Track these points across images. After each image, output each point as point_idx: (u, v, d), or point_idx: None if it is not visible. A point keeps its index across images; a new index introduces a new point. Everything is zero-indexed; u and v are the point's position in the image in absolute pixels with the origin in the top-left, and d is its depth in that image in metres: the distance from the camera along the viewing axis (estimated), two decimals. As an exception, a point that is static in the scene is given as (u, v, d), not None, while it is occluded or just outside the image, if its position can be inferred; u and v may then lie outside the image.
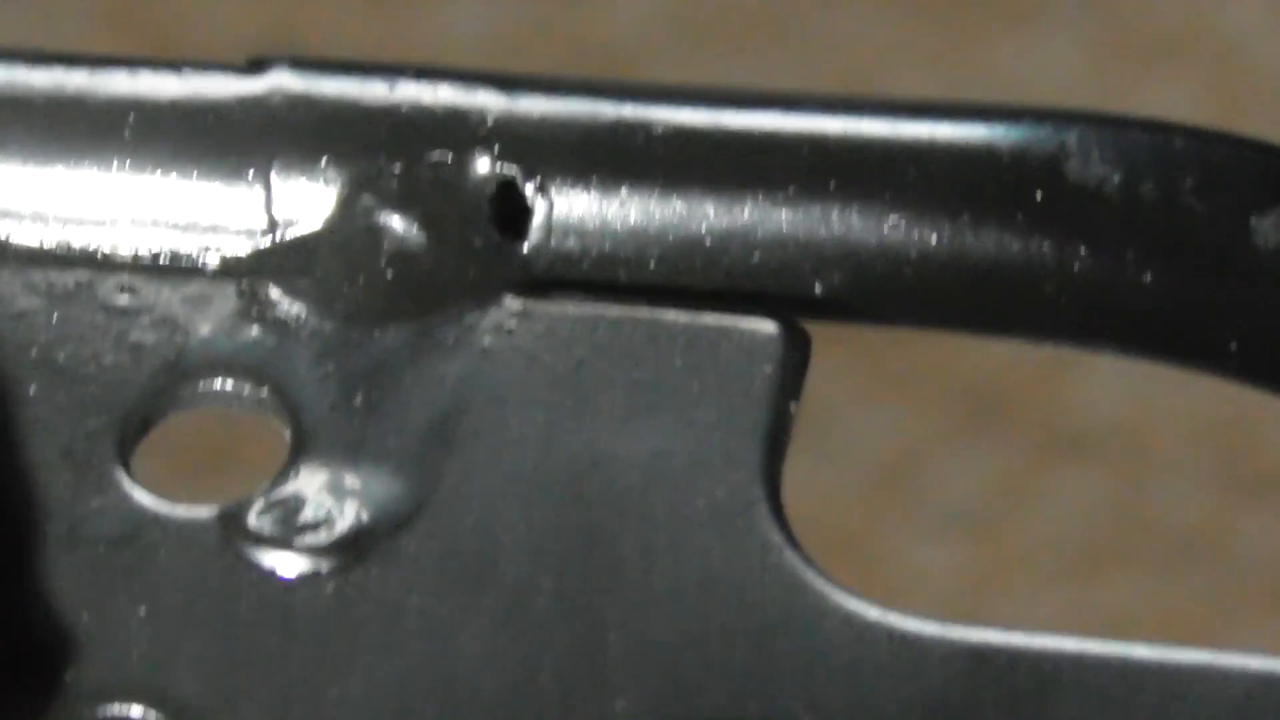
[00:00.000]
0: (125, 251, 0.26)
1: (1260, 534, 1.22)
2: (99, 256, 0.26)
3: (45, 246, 0.26)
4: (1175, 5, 1.32)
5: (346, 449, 0.25)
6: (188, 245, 0.26)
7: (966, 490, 1.19)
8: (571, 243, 0.25)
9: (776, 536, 0.24)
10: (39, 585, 0.25)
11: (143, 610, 0.24)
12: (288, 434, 0.25)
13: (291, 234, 0.26)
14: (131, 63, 0.26)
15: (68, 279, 0.26)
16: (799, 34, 1.26)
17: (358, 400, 0.25)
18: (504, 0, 1.12)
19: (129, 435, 0.25)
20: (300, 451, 0.25)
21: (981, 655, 0.24)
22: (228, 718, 0.24)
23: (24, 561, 0.25)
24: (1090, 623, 1.17)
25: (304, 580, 0.24)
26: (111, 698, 0.24)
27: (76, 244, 0.26)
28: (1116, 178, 0.25)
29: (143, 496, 0.25)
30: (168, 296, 0.26)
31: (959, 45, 1.33)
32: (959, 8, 1.34)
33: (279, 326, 0.26)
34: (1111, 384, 1.17)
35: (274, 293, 0.26)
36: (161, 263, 0.26)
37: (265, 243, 0.26)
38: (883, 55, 1.31)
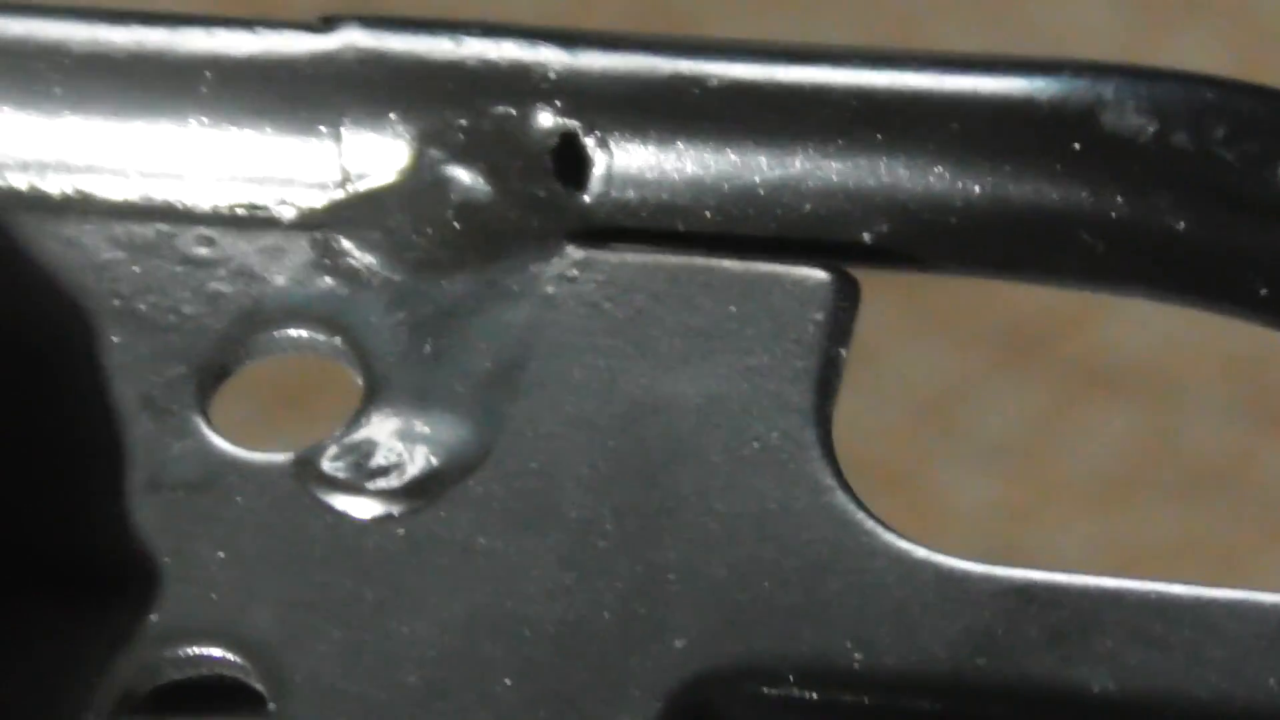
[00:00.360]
0: (203, 205, 0.26)
1: (1285, 465, 1.22)
2: (178, 209, 0.26)
3: (127, 200, 0.26)
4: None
5: (416, 395, 0.25)
6: (263, 198, 0.25)
7: (1005, 425, 1.19)
8: (630, 194, 0.25)
9: (828, 478, 0.24)
10: (122, 529, 0.24)
11: (221, 553, 0.24)
12: (360, 381, 0.25)
13: (362, 187, 0.25)
14: (208, 21, 0.26)
15: (148, 231, 0.25)
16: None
17: (427, 348, 0.25)
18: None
19: (207, 383, 0.25)
20: (372, 398, 0.25)
21: (1025, 592, 0.23)
22: (302, 657, 0.23)
23: (108, 506, 0.25)
24: (1122, 550, 1.16)
25: (376, 522, 0.24)
26: (191, 639, 0.24)
27: (157, 197, 0.26)
28: (1150, 128, 0.25)
29: (220, 442, 0.25)
30: (244, 248, 0.25)
31: (993, 2, 1.34)
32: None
33: (351, 276, 0.25)
34: (1144, 322, 1.17)
35: (346, 244, 0.25)
36: (238, 215, 0.25)
37: (337, 195, 0.26)
38: (923, 12, 1.31)
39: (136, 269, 0.25)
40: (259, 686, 0.23)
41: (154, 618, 0.24)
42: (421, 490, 0.24)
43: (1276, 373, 1.16)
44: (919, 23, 1.30)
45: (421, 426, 0.24)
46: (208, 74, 0.26)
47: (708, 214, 0.25)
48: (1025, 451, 1.18)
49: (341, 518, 0.24)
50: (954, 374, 1.24)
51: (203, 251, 0.25)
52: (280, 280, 0.25)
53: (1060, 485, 1.21)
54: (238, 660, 0.23)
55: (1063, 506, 1.24)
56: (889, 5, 1.28)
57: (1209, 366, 1.20)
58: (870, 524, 0.24)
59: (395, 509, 0.24)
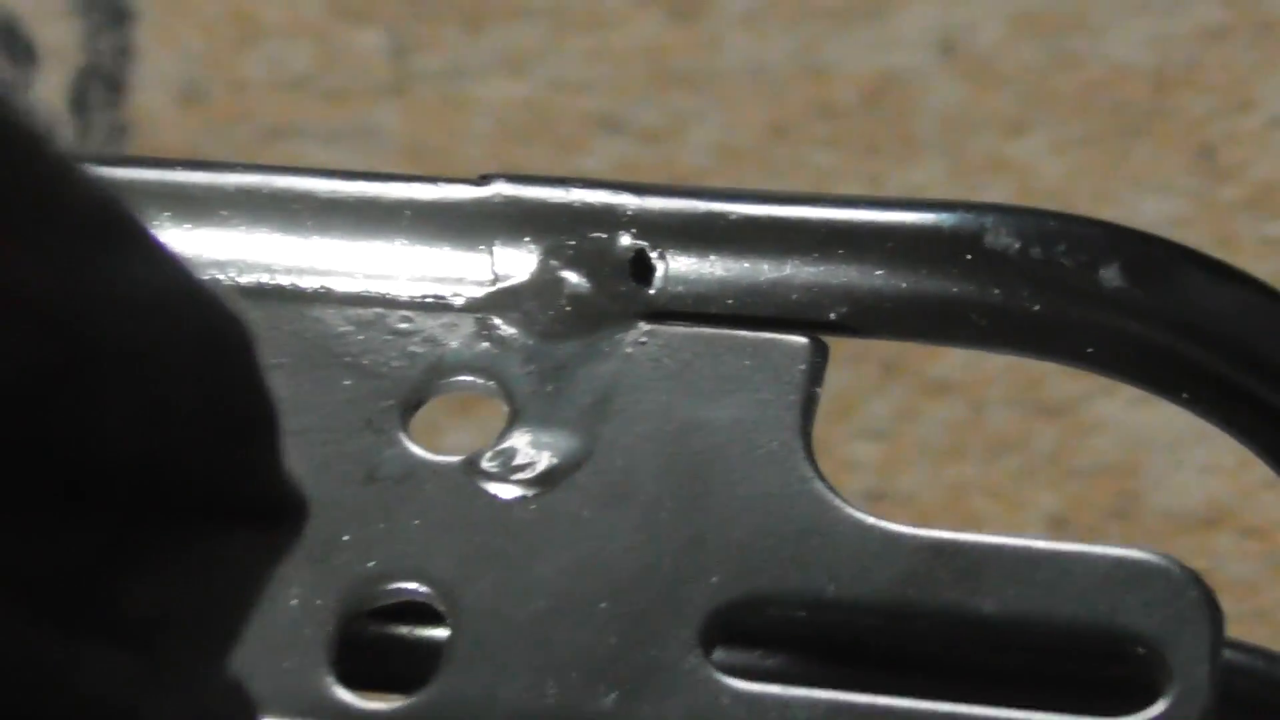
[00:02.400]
0: (404, 295, 0.26)
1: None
2: (388, 299, 0.26)
3: (354, 292, 0.26)
4: None
5: (542, 420, 0.25)
6: (443, 291, 0.26)
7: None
8: (680, 289, 0.25)
9: (809, 472, 0.24)
10: (352, 508, 0.25)
11: (416, 522, 0.25)
12: (505, 410, 0.25)
13: (507, 284, 0.26)
14: (407, 177, 0.27)
15: (369, 313, 0.26)
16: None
17: (549, 388, 0.25)
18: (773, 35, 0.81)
19: (407, 412, 0.25)
20: (513, 421, 0.25)
21: (937, 547, 0.24)
22: (468, 589, 0.24)
23: (343, 492, 0.25)
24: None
25: (516, 501, 0.25)
26: (397, 579, 0.25)
27: (374, 291, 0.26)
28: (1015, 245, 0.25)
29: (416, 449, 0.25)
30: (431, 324, 0.26)
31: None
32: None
33: (500, 343, 0.26)
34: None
35: (496, 321, 0.26)
36: (427, 302, 0.26)
37: (491, 290, 0.26)
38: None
39: (361, 337, 0.26)
40: (440, 608, 0.24)
41: (371, 564, 0.25)
42: (545, 481, 0.25)
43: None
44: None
45: (546, 439, 0.25)
46: (408, 211, 0.27)
47: (730, 301, 0.26)
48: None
49: (494, 498, 0.25)
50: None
51: (404, 326, 0.26)
52: (454, 345, 0.26)
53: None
54: (426, 591, 0.24)
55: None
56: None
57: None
58: (837, 502, 0.24)
59: (529, 493, 0.25)
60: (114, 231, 0.16)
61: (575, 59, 0.77)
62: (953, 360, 0.74)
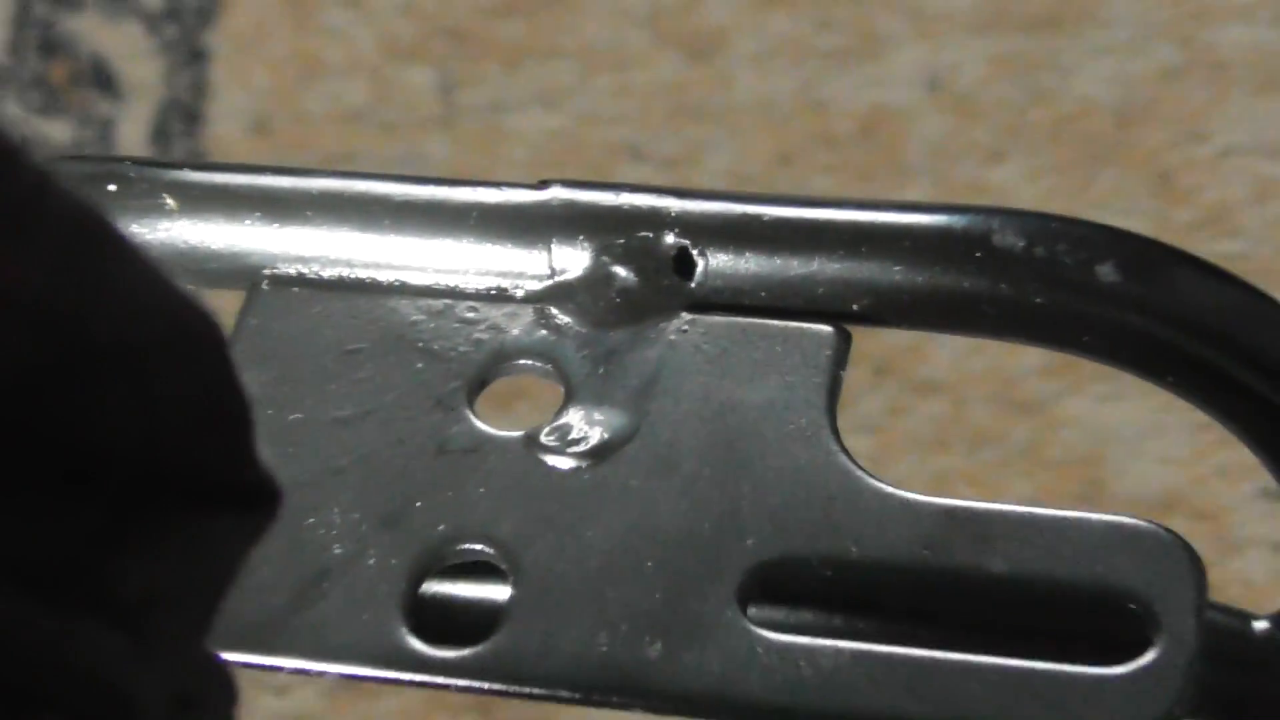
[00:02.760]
0: (471, 288, 0.25)
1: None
2: (456, 290, 0.26)
3: (427, 285, 0.26)
4: None
5: (595, 399, 0.25)
6: (505, 284, 0.25)
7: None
8: (719, 283, 0.25)
9: (834, 445, 0.24)
10: (424, 477, 0.25)
11: (482, 490, 0.24)
12: (562, 390, 0.25)
13: (563, 279, 0.25)
14: (474, 182, 0.27)
15: (439, 304, 0.25)
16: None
17: (600, 371, 0.25)
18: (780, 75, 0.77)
19: (473, 391, 0.25)
20: (568, 400, 0.25)
21: (951, 513, 0.23)
22: (528, 550, 0.24)
23: (417, 462, 0.25)
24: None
25: (572, 472, 0.24)
26: (464, 541, 0.24)
27: (444, 284, 0.26)
28: (1020, 244, 0.24)
29: (482, 425, 0.25)
30: (495, 314, 0.25)
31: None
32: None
33: (557, 330, 0.25)
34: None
35: (553, 311, 0.25)
36: (491, 294, 0.25)
37: (548, 283, 0.25)
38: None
39: (432, 325, 0.25)
40: (503, 567, 0.24)
41: (441, 527, 0.24)
42: (598, 454, 0.24)
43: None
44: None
45: (598, 417, 0.25)
46: (474, 213, 0.26)
47: (763, 294, 0.25)
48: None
49: (551, 469, 0.24)
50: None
51: (470, 315, 0.25)
52: (515, 332, 0.25)
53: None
54: (491, 551, 0.24)
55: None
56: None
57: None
58: (860, 473, 0.24)
59: (583, 464, 0.24)
60: (94, 237, 0.16)
61: (603, 95, 0.78)
62: (938, 362, 0.74)
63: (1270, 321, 0.25)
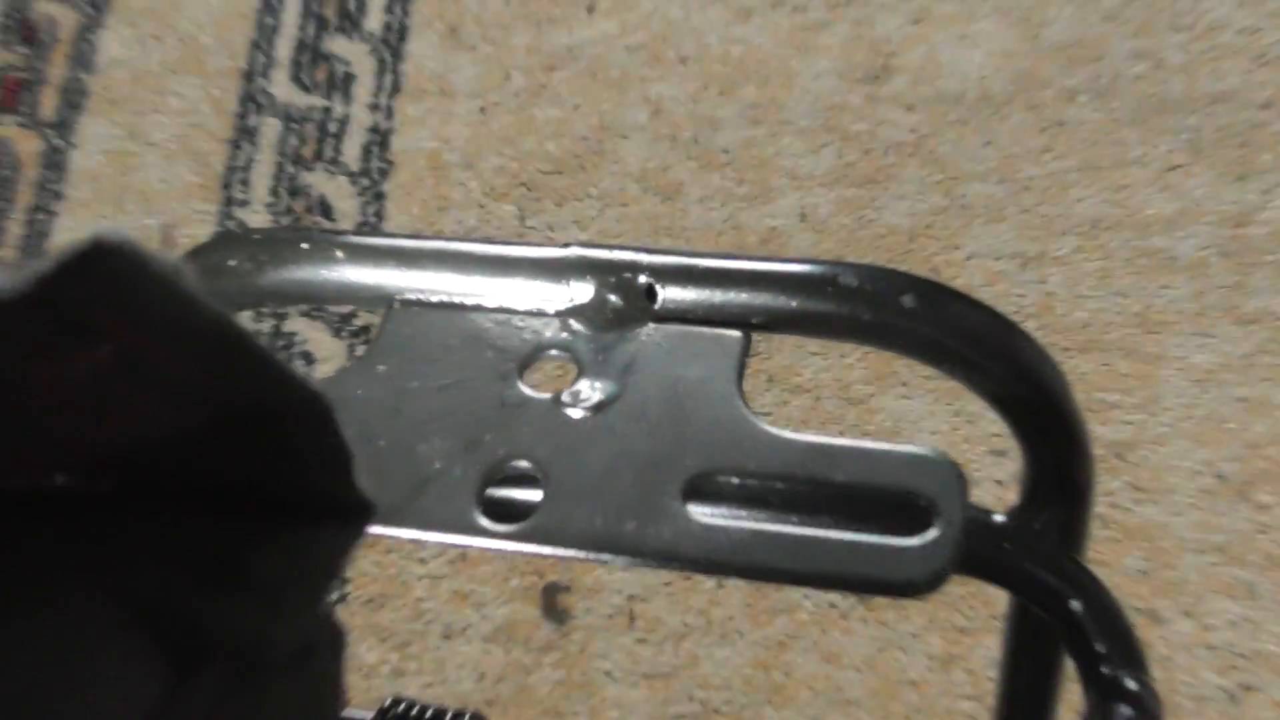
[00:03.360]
0: (521, 307, 0.25)
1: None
2: (510, 309, 0.25)
3: (489, 306, 0.25)
4: None
5: (595, 375, 0.24)
6: (542, 305, 0.25)
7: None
8: (672, 305, 0.24)
9: (741, 404, 0.23)
10: (489, 420, 0.24)
11: (526, 428, 0.24)
12: (575, 369, 0.24)
13: (577, 302, 0.25)
14: (525, 243, 0.26)
15: (501, 317, 0.25)
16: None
17: (599, 358, 0.24)
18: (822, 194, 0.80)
19: (522, 369, 0.24)
20: (579, 375, 0.24)
21: (812, 444, 0.23)
22: (554, 466, 0.23)
23: (482, 412, 0.24)
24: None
25: (581, 418, 0.24)
26: (513, 459, 0.23)
27: (504, 305, 0.25)
28: (856, 283, 0.24)
29: (528, 390, 0.24)
30: (535, 324, 0.25)
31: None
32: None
33: (573, 334, 0.25)
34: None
35: (571, 322, 0.25)
36: (533, 312, 0.25)
37: (568, 305, 0.25)
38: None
39: (497, 330, 0.25)
40: (538, 476, 0.23)
41: (500, 451, 0.23)
42: (597, 408, 0.24)
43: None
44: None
45: (597, 385, 0.24)
46: (524, 262, 0.25)
47: (699, 312, 0.24)
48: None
49: (569, 417, 0.24)
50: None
51: (519, 324, 0.25)
52: (548, 334, 0.25)
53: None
54: (530, 466, 0.23)
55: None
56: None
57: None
58: (755, 420, 0.23)
59: (588, 414, 0.24)
60: (230, 338, 0.15)
61: (611, 220, 0.82)
62: (805, 374, 0.75)
63: (1003, 331, 0.24)
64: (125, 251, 0.12)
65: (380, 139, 0.79)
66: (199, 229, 0.79)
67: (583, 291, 0.25)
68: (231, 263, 0.25)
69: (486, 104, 0.78)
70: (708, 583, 0.64)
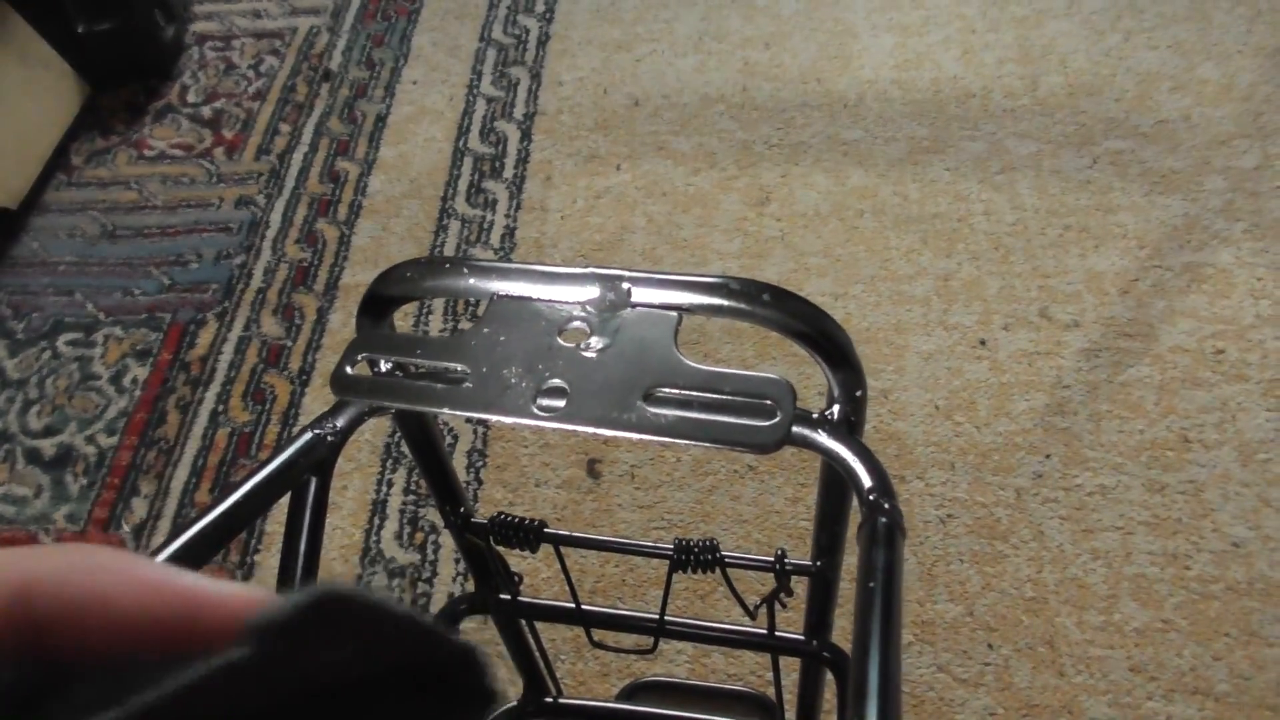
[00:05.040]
0: (559, 300, 0.30)
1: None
2: (553, 301, 0.30)
3: (544, 299, 0.30)
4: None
5: (600, 334, 0.29)
6: (570, 298, 0.30)
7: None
8: (641, 299, 0.30)
9: (676, 351, 0.29)
10: (538, 359, 0.28)
11: (559, 362, 0.29)
12: (587, 331, 0.29)
13: (589, 297, 0.30)
14: (558, 265, 0.29)
15: (546, 306, 0.30)
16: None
17: (602, 325, 0.29)
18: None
19: (559, 331, 0.30)
20: (590, 334, 0.29)
21: (713, 371, 0.28)
22: (576, 383, 0.27)
23: (534, 356, 0.27)
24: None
25: (591, 357, 0.28)
26: (551, 379, 0.28)
27: (549, 298, 0.30)
28: (753, 290, 0.28)
29: (561, 341, 0.29)
30: (566, 307, 0.30)
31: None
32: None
33: (588, 313, 0.29)
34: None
35: (587, 307, 0.29)
36: (564, 301, 0.30)
37: (585, 298, 0.30)
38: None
39: (545, 311, 0.30)
40: (566, 389, 0.28)
41: (546, 373, 0.28)
42: (601, 351, 0.29)
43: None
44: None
45: (601, 340, 0.29)
46: (562, 275, 0.31)
47: (656, 303, 0.29)
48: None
49: (585, 356, 0.29)
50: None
51: (561, 309, 0.30)
52: (574, 313, 0.29)
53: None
54: (561, 384, 0.28)
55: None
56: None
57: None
58: (683, 358, 0.29)
59: (595, 355, 0.28)
60: (389, 622, 0.15)
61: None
62: (723, 353, 1.21)
63: (816, 313, 0.31)
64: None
65: (508, 232, 1.38)
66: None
67: (592, 291, 0.31)
68: (408, 274, 0.31)
69: (564, 215, 1.37)
70: (672, 457, 1.09)
